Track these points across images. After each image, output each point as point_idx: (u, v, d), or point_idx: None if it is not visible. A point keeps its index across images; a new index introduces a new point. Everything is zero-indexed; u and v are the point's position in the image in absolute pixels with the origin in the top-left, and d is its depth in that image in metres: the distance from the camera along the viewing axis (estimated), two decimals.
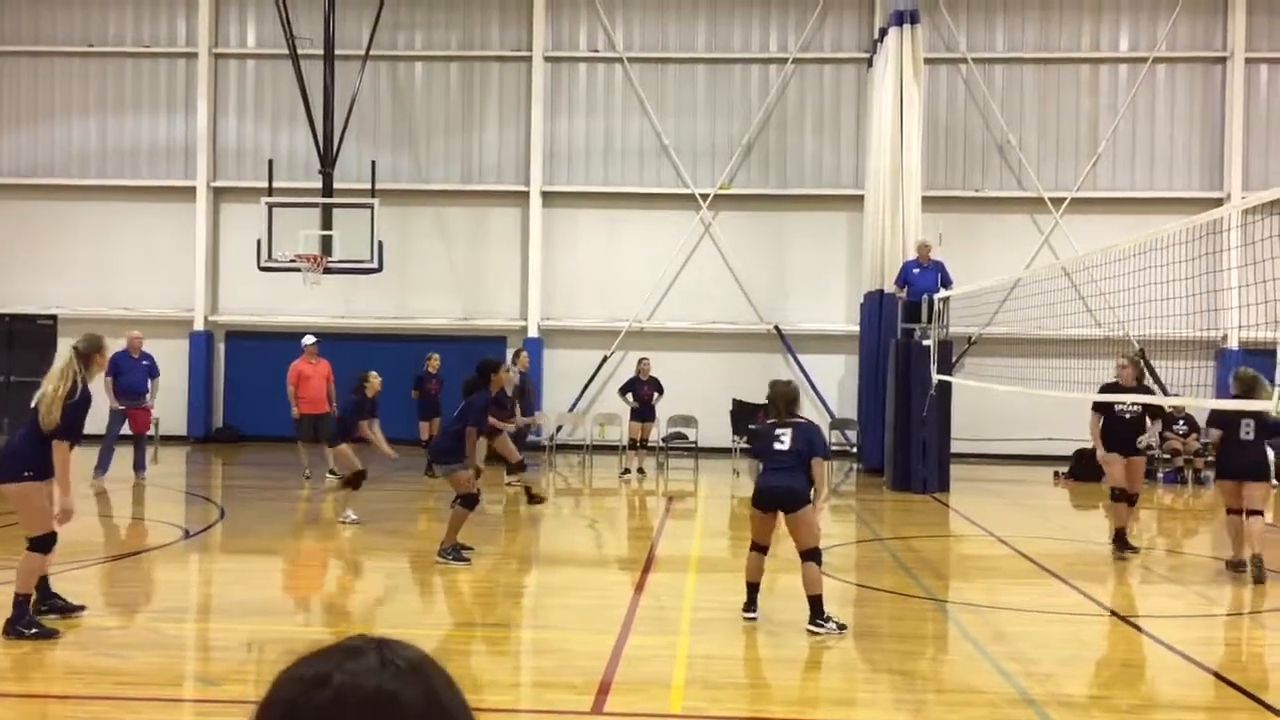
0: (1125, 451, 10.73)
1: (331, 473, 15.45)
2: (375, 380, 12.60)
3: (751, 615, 7.83)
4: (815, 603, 7.57)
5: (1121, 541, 10.72)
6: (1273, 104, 20.22)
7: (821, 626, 7.50)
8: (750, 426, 8.24)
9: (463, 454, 9.97)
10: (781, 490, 7.67)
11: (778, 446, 7.79)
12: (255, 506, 13.41)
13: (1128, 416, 10.66)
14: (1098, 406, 10.79)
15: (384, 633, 1.24)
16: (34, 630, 6.97)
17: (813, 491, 7.70)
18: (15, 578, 7.06)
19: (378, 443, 12.45)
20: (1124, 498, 10.71)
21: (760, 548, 7.92)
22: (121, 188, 21.36)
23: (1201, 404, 9.76)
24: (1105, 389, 10.74)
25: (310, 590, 9.46)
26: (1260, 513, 9.54)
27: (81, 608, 7.53)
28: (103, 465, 14.97)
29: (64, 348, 7.15)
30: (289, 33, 18.45)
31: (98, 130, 21.56)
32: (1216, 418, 10.06)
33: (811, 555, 7.61)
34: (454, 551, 9.78)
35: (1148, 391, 10.29)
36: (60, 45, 21.49)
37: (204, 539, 11.26)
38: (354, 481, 12.00)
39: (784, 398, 7.99)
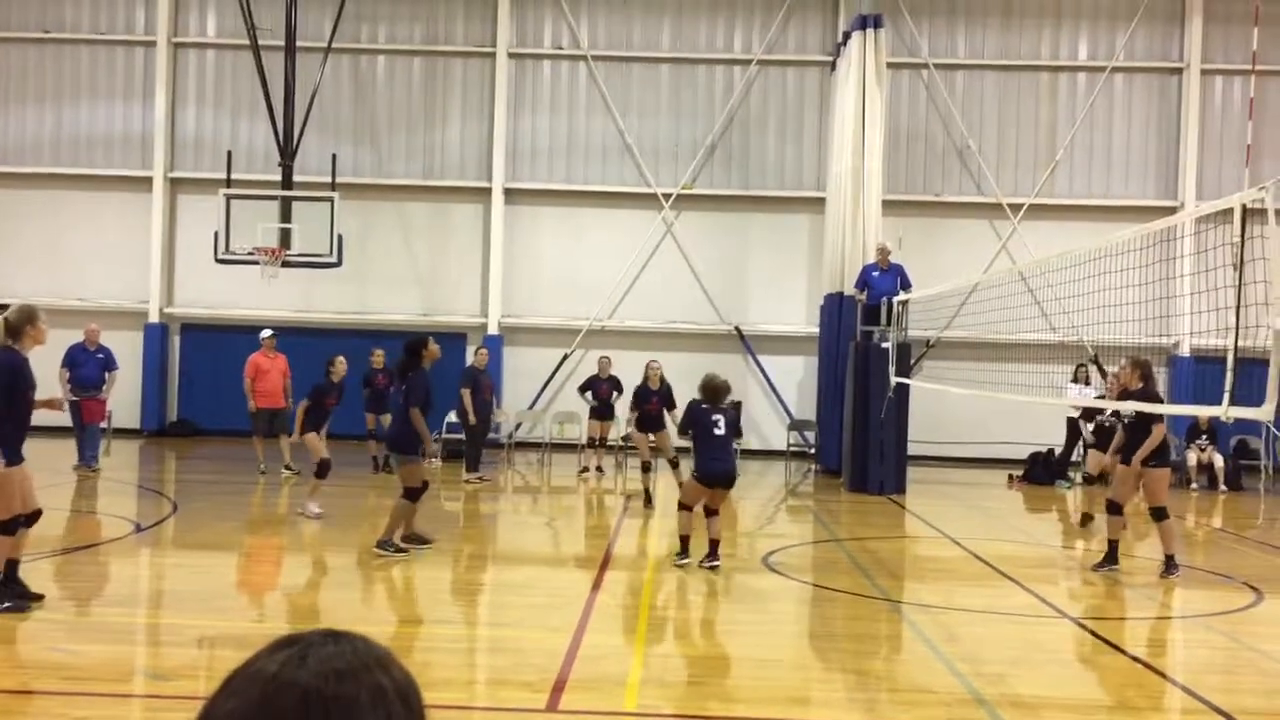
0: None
1: (287, 468, 15.35)
2: (341, 365, 12.97)
3: (685, 562, 9.61)
4: (717, 545, 9.59)
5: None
6: (1227, 115, 20.54)
7: (717, 561, 9.53)
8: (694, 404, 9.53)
9: (419, 444, 9.93)
10: (731, 472, 9.74)
11: (716, 432, 9.51)
12: (209, 501, 13.26)
13: (1106, 425, 10.37)
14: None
15: (340, 628, 1.23)
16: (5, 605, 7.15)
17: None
18: None
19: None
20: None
21: (690, 508, 9.74)
22: (76, 176, 21.05)
23: (1157, 409, 9.86)
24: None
25: (263, 586, 9.37)
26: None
27: (40, 596, 7.55)
28: (82, 455, 15.02)
29: None
30: (250, 23, 18.26)
31: (52, 118, 21.23)
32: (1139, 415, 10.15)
33: (717, 511, 9.74)
34: (392, 544, 9.82)
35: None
36: (15, 31, 21.14)
37: (156, 533, 11.11)
38: (321, 472, 11.91)
39: (724, 390, 9.77)
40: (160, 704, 5.86)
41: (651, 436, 14.14)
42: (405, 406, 9.96)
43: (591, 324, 20.65)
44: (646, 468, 13.94)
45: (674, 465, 13.89)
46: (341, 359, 13.14)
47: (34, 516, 7.51)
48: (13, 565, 7.36)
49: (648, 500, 13.64)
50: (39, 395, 7.42)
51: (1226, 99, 20.62)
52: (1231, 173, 19.98)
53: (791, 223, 20.77)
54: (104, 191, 21.10)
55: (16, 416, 7.14)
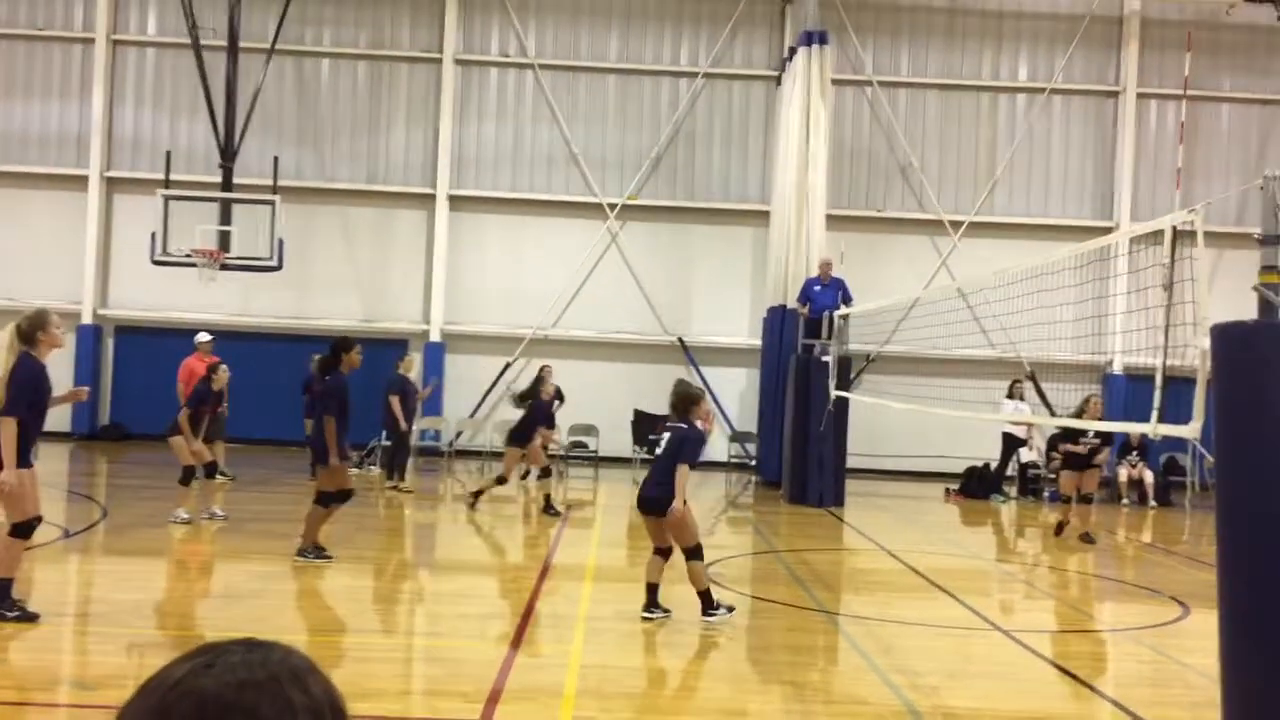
0: None
1: (222, 473, 15.10)
2: (224, 374, 12.42)
3: (649, 616, 8.07)
4: (704, 596, 8.00)
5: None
6: (1161, 138, 21.01)
7: (714, 615, 7.96)
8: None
9: (341, 451, 9.80)
10: (649, 499, 8.08)
11: (657, 451, 8.24)
12: (139, 506, 13.01)
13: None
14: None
15: (272, 637, 1.21)
16: (15, 614, 7.07)
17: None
18: None
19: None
20: None
21: (660, 550, 8.15)
22: (9, 174, 20.61)
23: (1091, 426, 10.07)
24: None
25: (193, 593, 9.20)
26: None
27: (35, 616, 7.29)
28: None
29: (6, 327, 7.11)
30: (191, 21, 18.03)
31: None
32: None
33: (693, 554, 7.98)
34: (315, 550, 9.70)
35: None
36: None
37: (84, 539, 10.89)
38: (185, 478, 11.80)
39: (684, 400, 8.25)
40: (86, 714, 5.73)
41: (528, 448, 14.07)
42: (320, 414, 9.82)
43: (535, 333, 20.60)
44: (547, 474, 14.30)
45: (546, 474, 14.30)
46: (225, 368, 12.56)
47: (35, 521, 7.42)
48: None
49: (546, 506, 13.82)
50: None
51: (1160, 123, 21.09)
52: (1165, 195, 20.44)
53: (736, 235, 20.88)
54: (38, 190, 20.68)
55: (31, 421, 7.17)
